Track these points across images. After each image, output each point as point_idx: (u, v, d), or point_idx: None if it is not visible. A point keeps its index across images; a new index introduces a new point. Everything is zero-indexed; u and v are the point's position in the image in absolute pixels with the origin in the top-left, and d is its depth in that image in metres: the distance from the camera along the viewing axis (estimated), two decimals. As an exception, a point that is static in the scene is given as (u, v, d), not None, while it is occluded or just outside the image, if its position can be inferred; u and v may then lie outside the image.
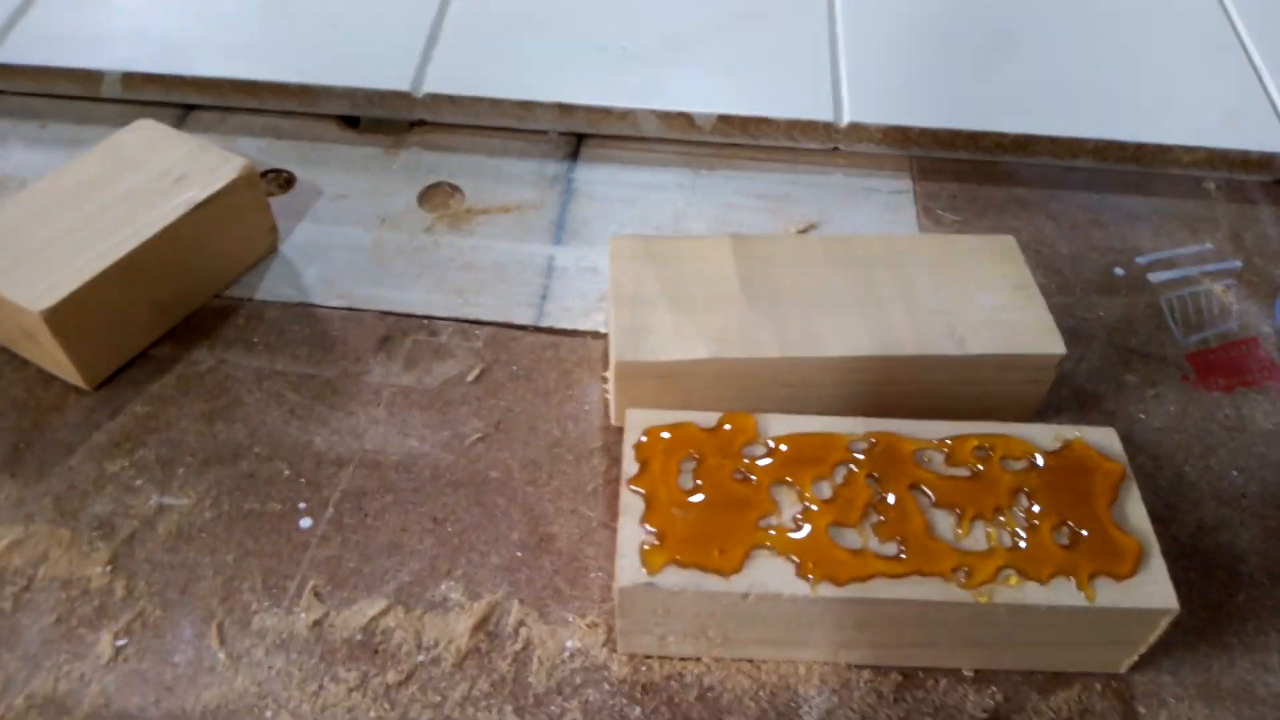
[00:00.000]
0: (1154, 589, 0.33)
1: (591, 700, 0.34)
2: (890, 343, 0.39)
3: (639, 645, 0.35)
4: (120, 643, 0.35)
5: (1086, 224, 0.52)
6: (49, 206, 0.43)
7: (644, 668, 0.35)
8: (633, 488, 0.35)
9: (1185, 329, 0.48)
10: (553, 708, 0.34)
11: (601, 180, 0.53)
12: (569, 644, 0.36)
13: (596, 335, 0.46)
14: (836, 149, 0.55)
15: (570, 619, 0.36)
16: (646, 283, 0.41)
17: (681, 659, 0.36)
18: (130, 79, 0.55)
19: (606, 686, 0.35)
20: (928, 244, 0.43)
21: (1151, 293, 0.49)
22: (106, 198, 0.43)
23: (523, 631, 0.36)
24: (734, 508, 0.34)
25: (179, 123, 0.55)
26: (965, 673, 0.36)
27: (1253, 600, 0.38)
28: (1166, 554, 0.39)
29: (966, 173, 0.54)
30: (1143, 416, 0.44)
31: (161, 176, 0.44)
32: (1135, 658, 0.35)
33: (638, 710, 0.34)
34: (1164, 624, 0.33)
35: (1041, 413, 0.44)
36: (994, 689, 0.36)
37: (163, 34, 0.56)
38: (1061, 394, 0.44)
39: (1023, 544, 0.34)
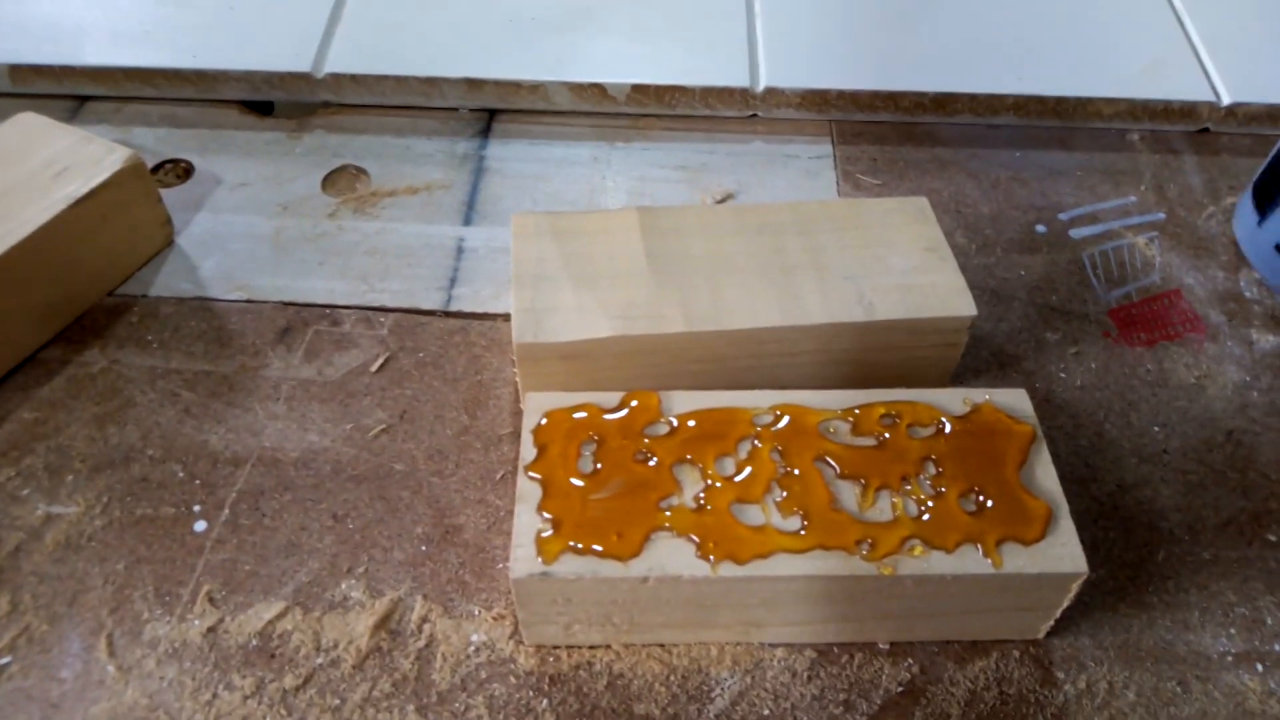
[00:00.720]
0: (1063, 552, 0.32)
1: (497, 695, 0.33)
2: (798, 312, 0.38)
3: (545, 636, 0.34)
4: (3, 661, 0.34)
5: (1008, 181, 0.51)
6: (-81, 208, 0.41)
7: (551, 658, 0.34)
8: (530, 474, 0.34)
9: (1107, 284, 0.47)
10: (457, 704, 0.33)
11: (514, 157, 0.52)
12: (474, 638, 0.35)
13: (508, 318, 0.44)
14: (755, 116, 0.54)
15: (476, 612, 0.35)
16: (550, 260, 0.40)
17: (590, 647, 0.35)
18: (18, 71, 0.52)
19: (513, 680, 0.34)
20: (840, 209, 0.42)
21: (1073, 249, 0.48)
22: (-18, 195, 0.41)
23: (426, 628, 0.35)
24: (634, 490, 0.33)
25: (72, 115, 0.53)
26: (880, 646, 0.35)
27: (1173, 557, 0.38)
28: (1086, 514, 0.39)
29: (887, 135, 0.53)
30: (1063, 375, 0.43)
31: (42, 170, 0.43)
32: (1051, 622, 0.35)
33: (545, 702, 0.33)
34: (1075, 588, 0.33)
35: (959, 376, 0.43)
36: (910, 661, 0.35)
37: (51, 22, 0.54)
38: (981, 356, 0.44)
39: (929, 513, 0.33)
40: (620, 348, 0.38)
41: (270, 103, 0.54)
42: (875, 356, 0.40)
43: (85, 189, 0.42)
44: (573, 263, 0.39)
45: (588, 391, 0.36)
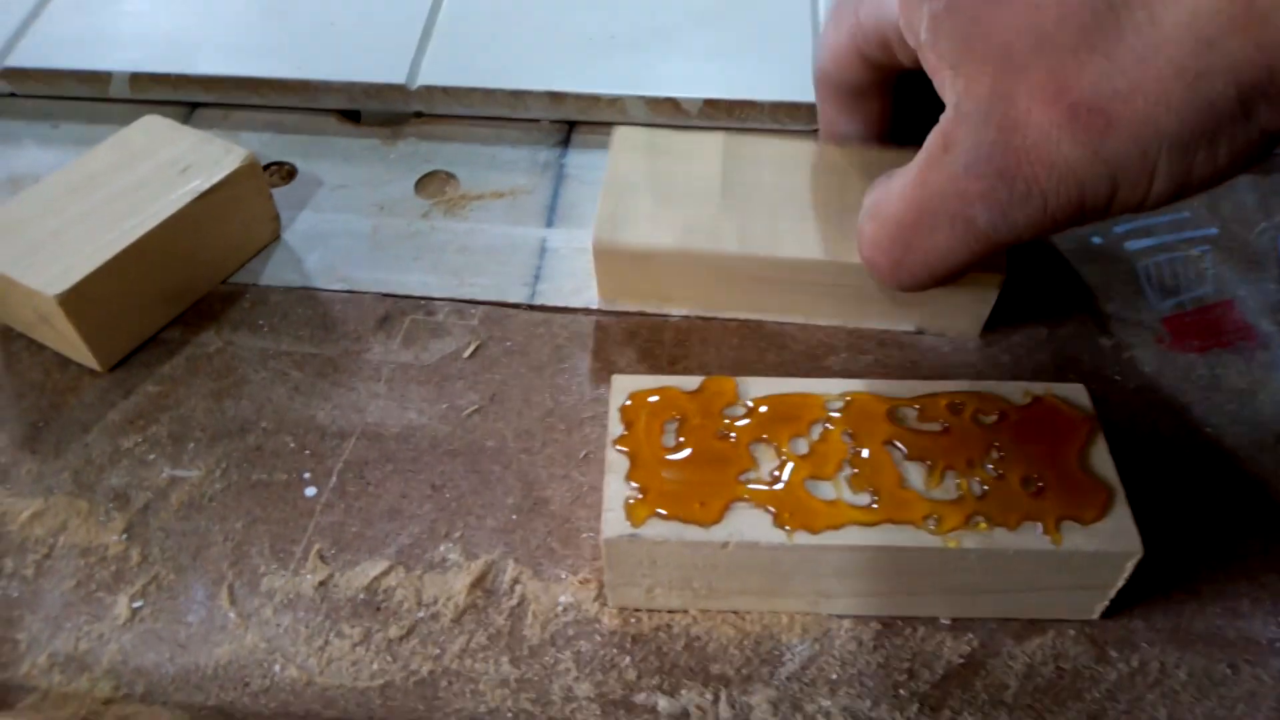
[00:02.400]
0: (1119, 533, 0.34)
1: (584, 650, 0.36)
2: (843, 250, 0.42)
3: (628, 598, 0.37)
4: (136, 605, 0.37)
5: (1065, 196, 0.53)
6: (60, 198, 0.45)
7: (633, 620, 0.37)
8: (618, 448, 0.36)
9: (1161, 294, 0.49)
10: (547, 658, 0.36)
11: (592, 165, 0.55)
12: (562, 599, 0.37)
13: (588, 312, 0.47)
14: (818, 130, 0.57)
15: (563, 576, 0.38)
16: (638, 173, 0.45)
17: (669, 611, 0.37)
18: (137, 79, 0.57)
19: (598, 638, 0.36)
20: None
21: (1128, 260, 0.51)
22: (115, 189, 0.45)
23: (518, 588, 0.38)
24: (714, 464, 0.36)
25: (184, 120, 0.57)
26: (942, 621, 0.37)
27: (1224, 549, 0.40)
28: (1140, 506, 0.41)
29: (947, 149, 0.56)
30: (1118, 378, 0.45)
31: (167, 167, 0.46)
32: (1106, 603, 0.37)
33: (628, 659, 0.36)
34: (1130, 567, 0.35)
35: (1017, 376, 0.45)
36: (970, 635, 0.37)
37: (167, 35, 0.58)
38: (1039, 359, 0.46)
39: (992, 494, 0.35)
40: (681, 259, 0.42)
41: (358, 111, 0.58)
42: (910, 298, 0.43)
43: (207, 184, 0.46)
44: (658, 178, 0.44)
45: (666, 376, 0.39)
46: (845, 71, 0.41)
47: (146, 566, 0.38)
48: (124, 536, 0.39)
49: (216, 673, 0.35)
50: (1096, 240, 0.51)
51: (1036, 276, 0.49)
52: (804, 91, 0.56)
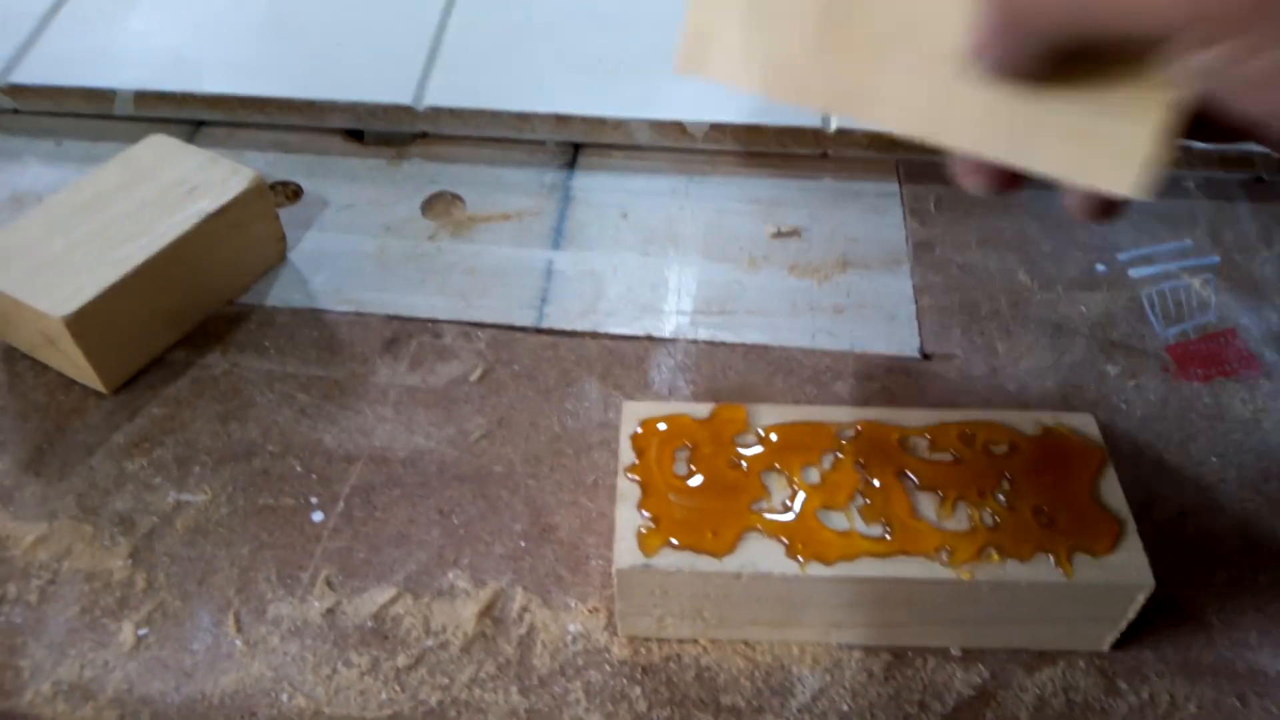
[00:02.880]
0: (1131, 565, 0.34)
1: (593, 681, 0.36)
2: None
3: (638, 628, 0.37)
4: (142, 631, 0.37)
5: (1069, 223, 0.54)
6: (66, 218, 0.44)
7: (643, 650, 0.37)
8: (629, 476, 0.36)
9: (1165, 322, 0.49)
10: (556, 688, 0.36)
11: (598, 187, 0.55)
12: (571, 628, 0.37)
13: (594, 335, 0.47)
14: (825, 154, 0.57)
15: (572, 604, 0.38)
16: None
17: (679, 641, 0.37)
18: (142, 97, 0.56)
19: (608, 667, 0.36)
20: None
21: (1132, 288, 0.51)
22: (122, 209, 0.45)
23: (526, 617, 0.37)
24: (726, 493, 0.36)
25: (189, 139, 0.57)
26: (953, 652, 0.37)
27: (1232, 580, 0.40)
28: (1148, 537, 0.40)
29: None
30: (1124, 406, 0.45)
31: (174, 188, 0.46)
32: (1116, 635, 0.37)
33: (638, 690, 0.36)
34: (1141, 599, 0.35)
35: (1025, 403, 0.45)
36: (981, 667, 0.37)
37: (173, 53, 0.58)
38: (1045, 386, 0.46)
39: (1004, 525, 0.35)
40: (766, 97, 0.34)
41: (363, 131, 0.58)
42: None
43: (215, 206, 0.46)
44: None
45: (677, 405, 0.39)
46: None
47: (152, 593, 0.38)
48: (129, 562, 0.39)
49: (223, 701, 0.35)
50: (1101, 268, 0.52)
51: (1042, 305, 0.50)
52: (810, 116, 0.56)
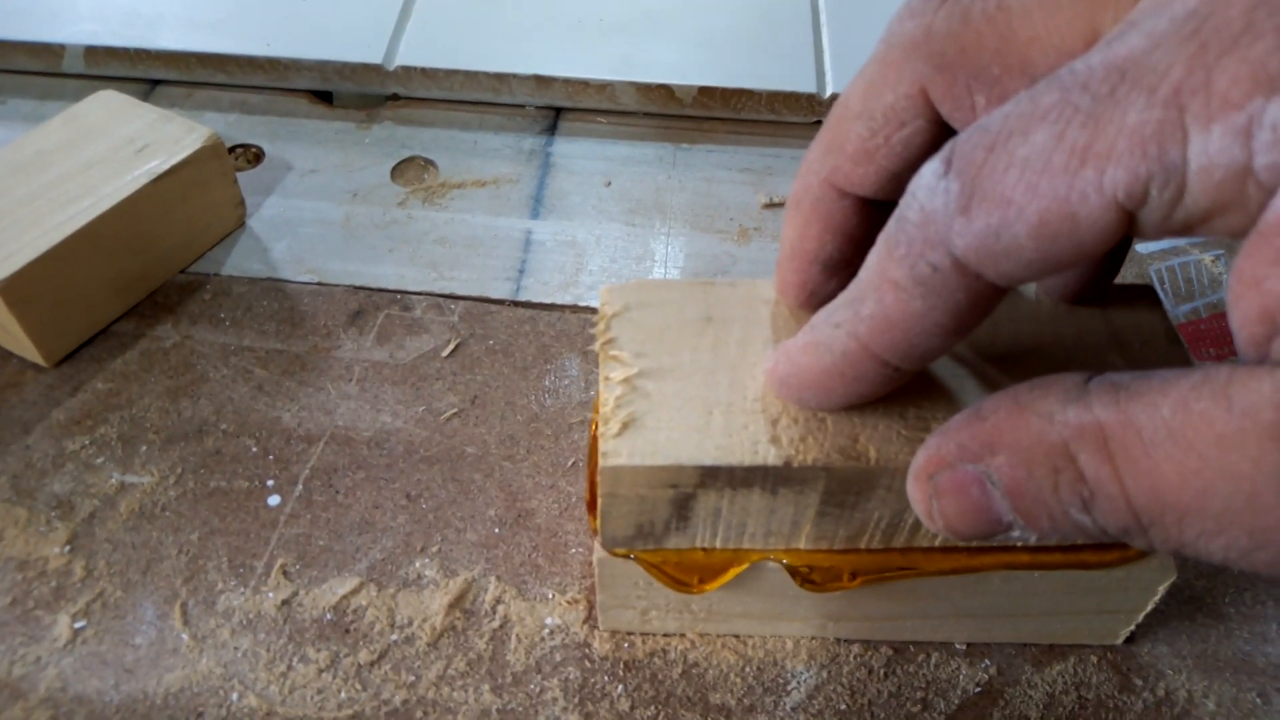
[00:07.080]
0: (1151, 554, 0.32)
1: (572, 678, 0.33)
2: None
3: (620, 621, 0.34)
4: (79, 624, 0.34)
5: (1074, 195, 0.51)
6: (4, 178, 0.41)
7: (626, 645, 0.34)
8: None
9: (1176, 299, 0.47)
10: (532, 686, 0.33)
11: (580, 154, 0.52)
12: (548, 621, 0.34)
13: (575, 309, 0.45)
14: (819, 122, 0.54)
15: (550, 595, 0.35)
16: None
17: (665, 635, 0.34)
18: (93, 53, 0.53)
19: (587, 664, 0.34)
20: None
21: (1141, 263, 0.48)
22: (65, 168, 0.42)
23: (500, 609, 0.35)
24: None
25: (144, 98, 0.53)
26: (957, 646, 0.35)
27: (1250, 571, 0.37)
28: (1161, 523, 0.38)
29: (952, 145, 0.53)
30: (1134, 386, 0.43)
31: (123, 147, 0.43)
32: (1132, 628, 0.34)
33: (620, 688, 0.33)
34: (1161, 590, 0.32)
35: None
36: (987, 662, 0.34)
37: (126, 6, 0.55)
38: (1051, 364, 0.43)
39: (1015, 510, 0.32)
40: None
41: (331, 93, 0.54)
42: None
43: (165, 166, 0.42)
44: None
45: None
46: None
47: (91, 582, 0.35)
48: (67, 549, 0.35)
49: (167, 701, 0.32)
50: (1108, 242, 0.49)
51: (1047, 279, 0.47)
52: (803, 82, 0.53)
